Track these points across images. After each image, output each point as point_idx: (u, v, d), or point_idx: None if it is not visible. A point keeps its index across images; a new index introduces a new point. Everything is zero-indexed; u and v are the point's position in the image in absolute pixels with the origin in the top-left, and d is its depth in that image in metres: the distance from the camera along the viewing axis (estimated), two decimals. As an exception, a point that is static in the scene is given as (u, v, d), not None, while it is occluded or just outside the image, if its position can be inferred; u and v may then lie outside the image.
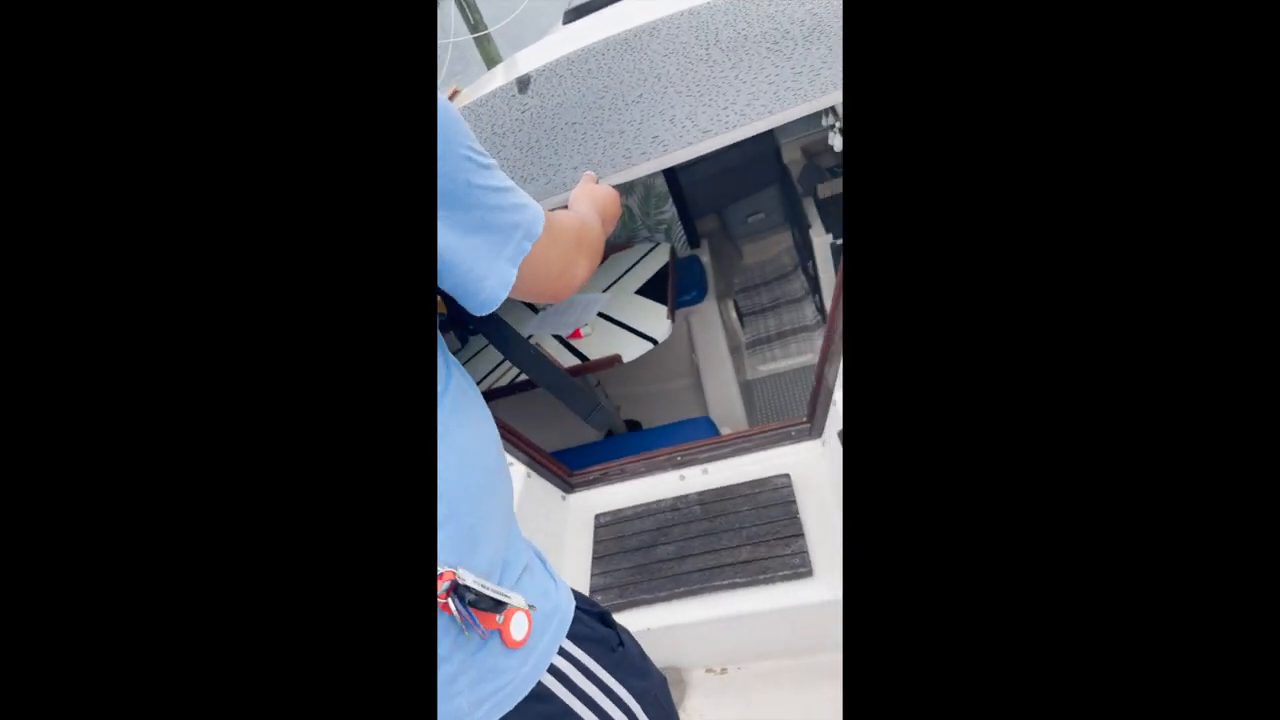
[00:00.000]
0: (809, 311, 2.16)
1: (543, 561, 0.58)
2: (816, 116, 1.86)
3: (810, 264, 1.92)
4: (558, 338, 1.70)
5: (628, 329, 1.64)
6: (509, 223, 0.46)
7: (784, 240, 2.33)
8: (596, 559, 1.25)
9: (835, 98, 0.84)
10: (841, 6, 1.00)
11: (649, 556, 1.20)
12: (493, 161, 0.46)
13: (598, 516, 1.33)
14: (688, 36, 1.18)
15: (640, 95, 1.07)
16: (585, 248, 0.55)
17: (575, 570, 1.25)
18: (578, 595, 0.59)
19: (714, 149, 0.91)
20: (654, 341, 1.57)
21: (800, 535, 1.13)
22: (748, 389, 2.09)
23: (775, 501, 1.19)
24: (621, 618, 1.17)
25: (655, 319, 1.64)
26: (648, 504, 1.30)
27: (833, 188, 1.81)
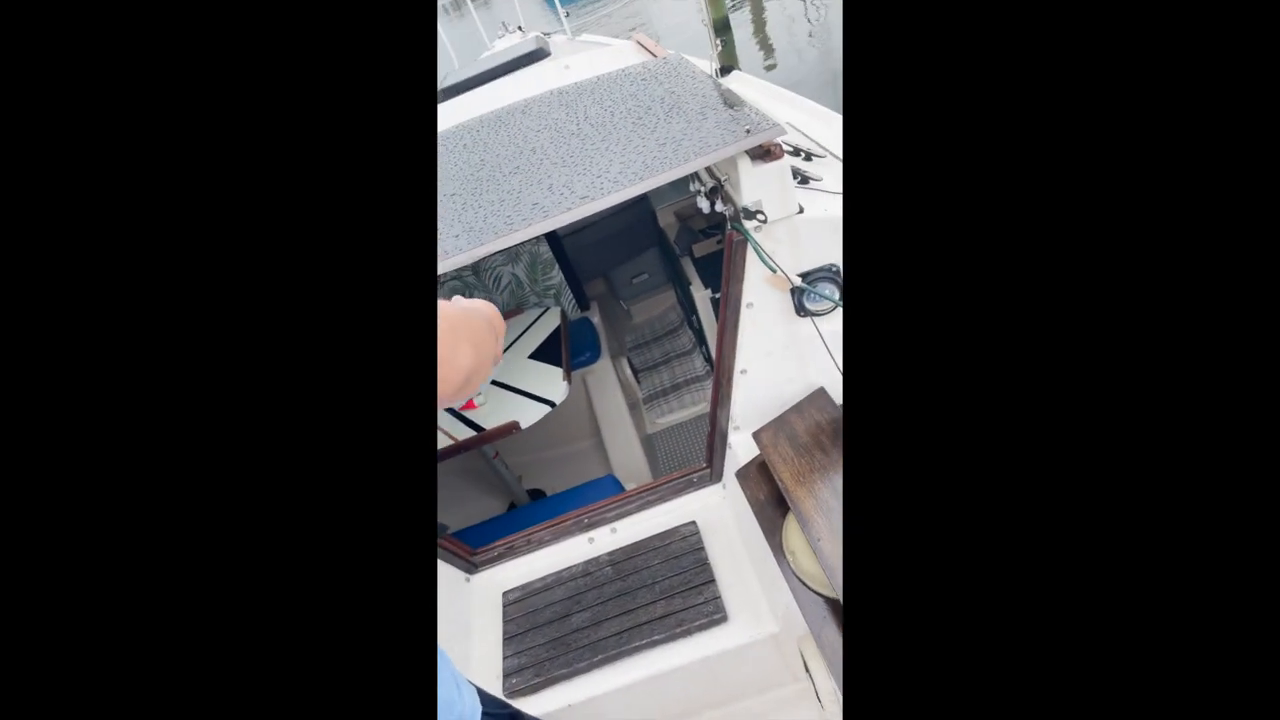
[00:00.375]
0: (698, 362, 2.26)
1: (445, 664, 0.54)
2: (684, 182, 2.02)
3: (694, 317, 2.03)
4: (450, 410, 1.64)
5: (524, 394, 1.62)
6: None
7: (669, 298, 2.45)
8: (507, 639, 1.18)
9: (698, 164, 0.92)
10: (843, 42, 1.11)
11: (563, 628, 1.15)
12: None
13: (505, 594, 1.26)
14: (558, 113, 1.26)
15: (517, 166, 1.10)
16: (465, 334, 0.46)
17: (484, 655, 1.17)
18: (484, 696, 0.55)
19: (593, 214, 0.96)
20: (551, 404, 1.56)
21: (712, 581, 1.14)
22: (649, 443, 2.11)
23: (685, 550, 1.20)
24: (540, 698, 1.10)
25: (551, 382, 1.64)
26: (557, 573, 1.26)
27: (706, 247, 1.95)
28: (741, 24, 7.02)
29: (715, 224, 2.04)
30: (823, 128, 1.33)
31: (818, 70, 5.29)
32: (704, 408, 2.15)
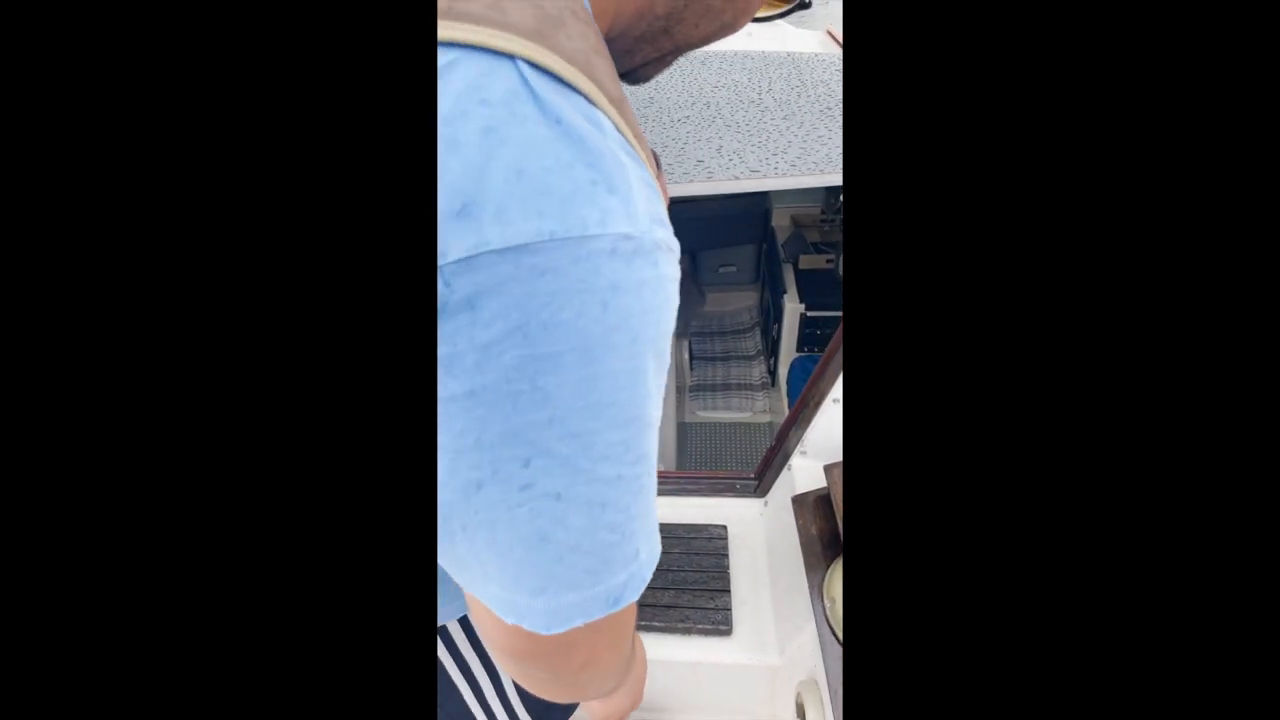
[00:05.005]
0: (757, 371, 2.20)
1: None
2: (821, 191, 1.94)
3: (776, 327, 1.96)
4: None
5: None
6: (608, 547, 0.25)
7: (748, 298, 2.38)
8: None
9: None
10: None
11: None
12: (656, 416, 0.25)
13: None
14: (739, 76, 1.19)
15: (687, 115, 1.05)
16: (622, 672, 0.33)
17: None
18: None
19: (758, 190, 0.90)
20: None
21: (726, 591, 1.10)
22: (682, 430, 2.08)
23: (708, 551, 1.17)
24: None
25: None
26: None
27: (814, 261, 1.88)
28: None
29: (830, 241, 1.96)
30: None
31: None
32: (748, 416, 2.10)
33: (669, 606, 1.08)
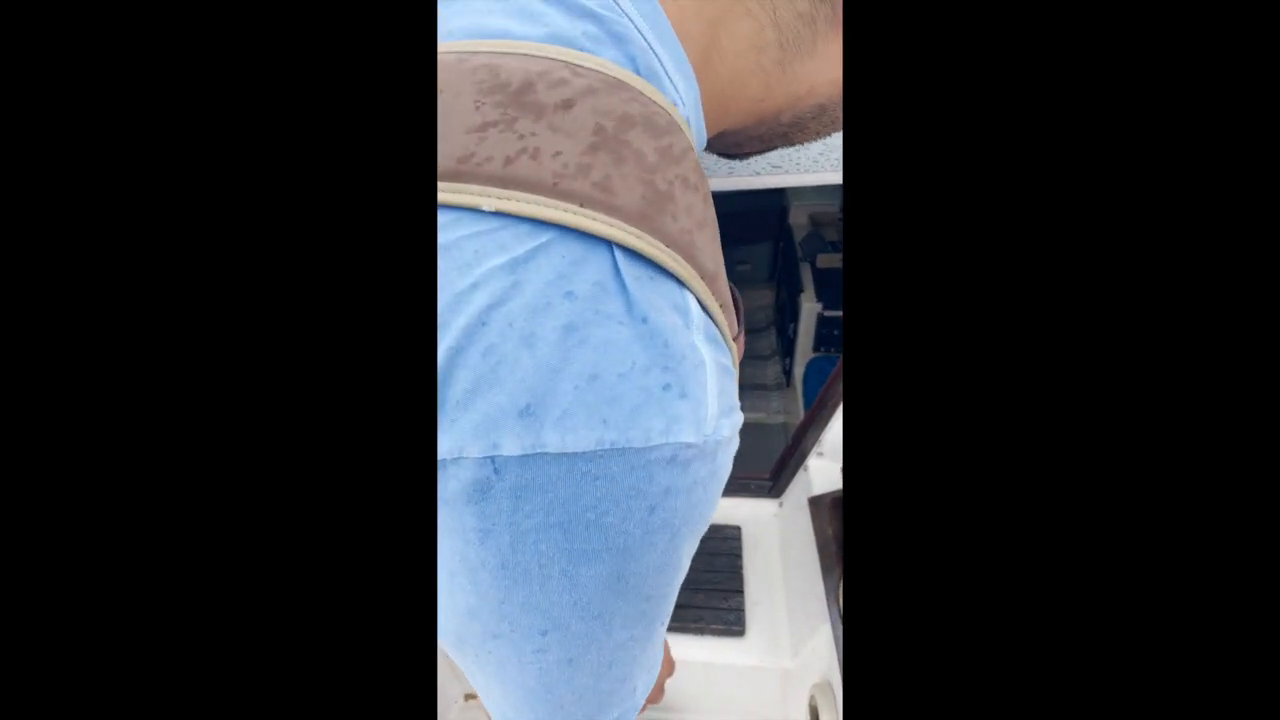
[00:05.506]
0: (771, 371, 2.19)
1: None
2: (839, 189, 1.92)
3: (793, 326, 1.95)
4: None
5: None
6: (608, 694, 0.25)
7: (764, 298, 2.37)
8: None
9: None
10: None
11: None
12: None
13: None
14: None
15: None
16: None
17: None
18: None
19: (780, 186, 0.89)
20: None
21: (740, 592, 1.10)
22: (695, 430, 2.07)
23: (721, 552, 1.16)
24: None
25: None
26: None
27: (832, 260, 1.86)
28: None
29: (848, 242, 1.94)
30: None
31: None
32: (761, 417, 2.09)
33: (682, 606, 1.08)
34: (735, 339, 0.25)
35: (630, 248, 0.20)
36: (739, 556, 1.15)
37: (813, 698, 0.95)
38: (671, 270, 0.21)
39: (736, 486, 1.26)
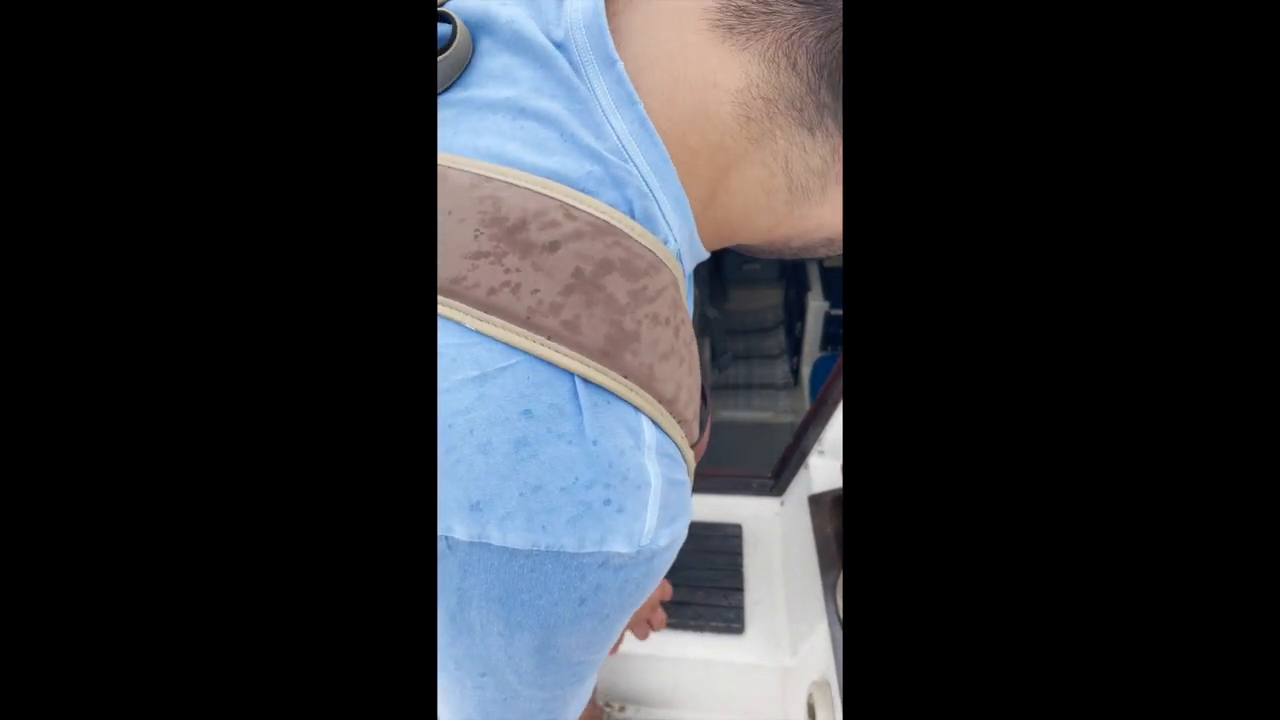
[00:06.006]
0: (780, 371, 2.18)
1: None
2: None
3: (799, 325, 1.94)
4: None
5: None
6: (548, 715, 0.29)
7: (773, 297, 2.35)
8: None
9: None
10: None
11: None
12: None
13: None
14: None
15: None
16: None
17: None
18: None
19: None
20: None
21: (740, 590, 1.09)
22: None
23: (721, 550, 1.16)
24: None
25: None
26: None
27: (838, 259, 1.85)
28: None
29: (855, 240, 1.92)
30: None
31: None
32: (769, 416, 2.08)
33: (681, 603, 1.08)
34: (695, 446, 0.27)
35: (589, 379, 0.22)
36: (739, 555, 1.14)
37: (810, 696, 0.94)
38: (627, 399, 0.23)
39: (739, 485, 1.26)
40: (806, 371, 1.94)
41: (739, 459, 2.03)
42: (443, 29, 0.25)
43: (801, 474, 1.13)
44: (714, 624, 1.05)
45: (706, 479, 1.27)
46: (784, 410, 2.08)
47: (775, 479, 1.22)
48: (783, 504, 1.21)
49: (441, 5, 0.26)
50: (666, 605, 1.07)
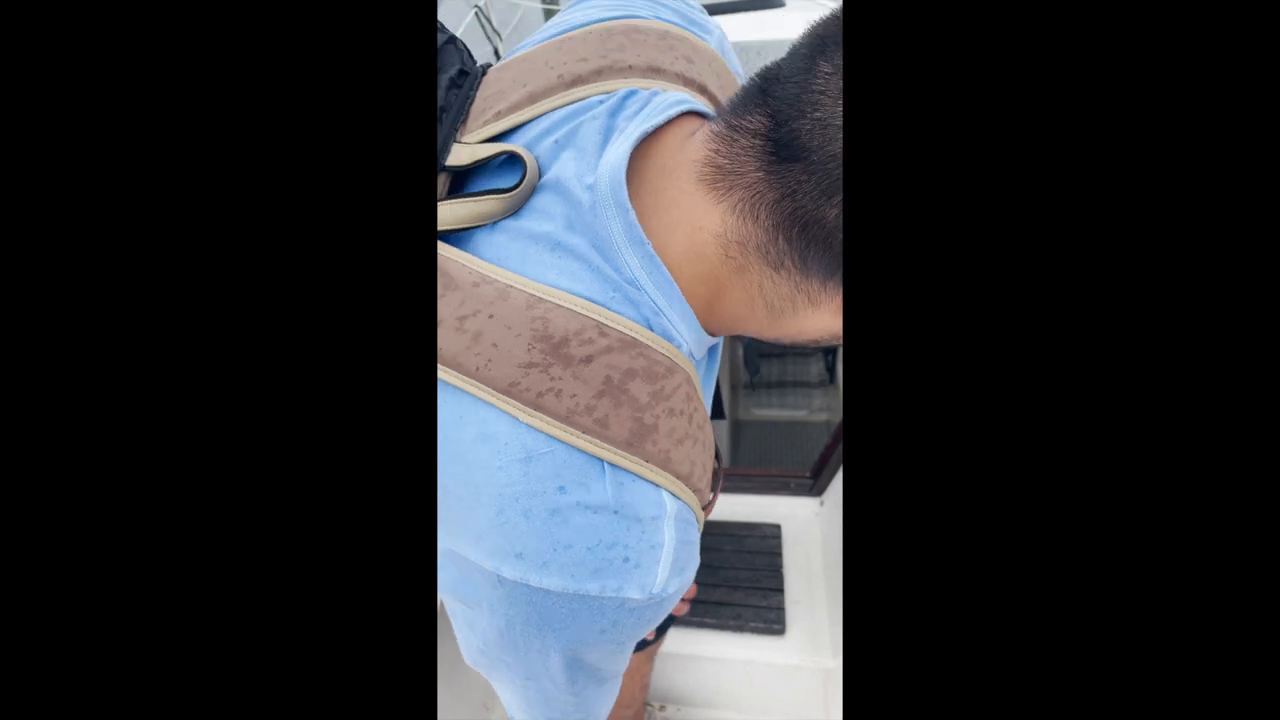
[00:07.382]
0: (815, 369, 2.15)
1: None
2: None
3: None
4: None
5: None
6: (589, 705, 0.36)
7: (805, 293, 2.33)
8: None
9: None
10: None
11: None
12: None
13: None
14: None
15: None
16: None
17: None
18: None
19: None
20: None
21: (780, 590, 1.09)
22: (736, 427, 2.06)
23: (761, 550, 1.15)
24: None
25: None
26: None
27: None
28: None
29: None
30: None
31: None
32: (804, 414, 2.06)
33: (720, 604, 1.08)
34: (706, 507, 0.33)
35: (616, 464, 0.27)
36: (779, 555, 1.14)
37: (855, 698, 0.93)
38: (648, 478, 0.28)
39: (776, 484, 1.25)
40: (842, 369, 1.91)
41: (772, 457, 2.01)
42: (517, 169, 0.32)
43: (841, 474, 1.12)
44: (754, 624, 1.05)
45: (745, 479, 1.27)
46: (819, 408, 2.06)
47: (814, 479, 1.21)
48: (822, 504, 1.20)
49: (503, 139, 0.33)
50: (707, 606, 1.08)
